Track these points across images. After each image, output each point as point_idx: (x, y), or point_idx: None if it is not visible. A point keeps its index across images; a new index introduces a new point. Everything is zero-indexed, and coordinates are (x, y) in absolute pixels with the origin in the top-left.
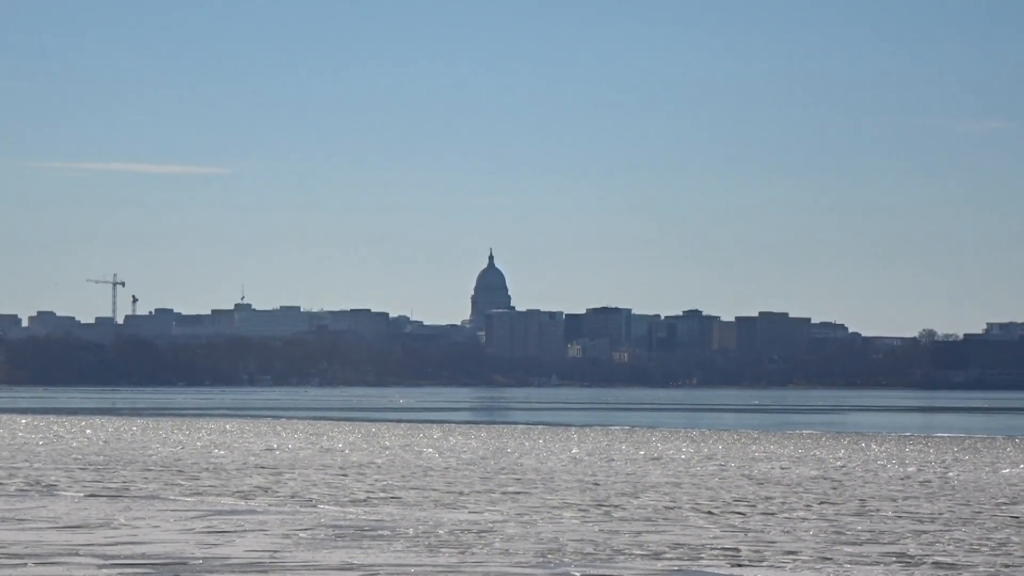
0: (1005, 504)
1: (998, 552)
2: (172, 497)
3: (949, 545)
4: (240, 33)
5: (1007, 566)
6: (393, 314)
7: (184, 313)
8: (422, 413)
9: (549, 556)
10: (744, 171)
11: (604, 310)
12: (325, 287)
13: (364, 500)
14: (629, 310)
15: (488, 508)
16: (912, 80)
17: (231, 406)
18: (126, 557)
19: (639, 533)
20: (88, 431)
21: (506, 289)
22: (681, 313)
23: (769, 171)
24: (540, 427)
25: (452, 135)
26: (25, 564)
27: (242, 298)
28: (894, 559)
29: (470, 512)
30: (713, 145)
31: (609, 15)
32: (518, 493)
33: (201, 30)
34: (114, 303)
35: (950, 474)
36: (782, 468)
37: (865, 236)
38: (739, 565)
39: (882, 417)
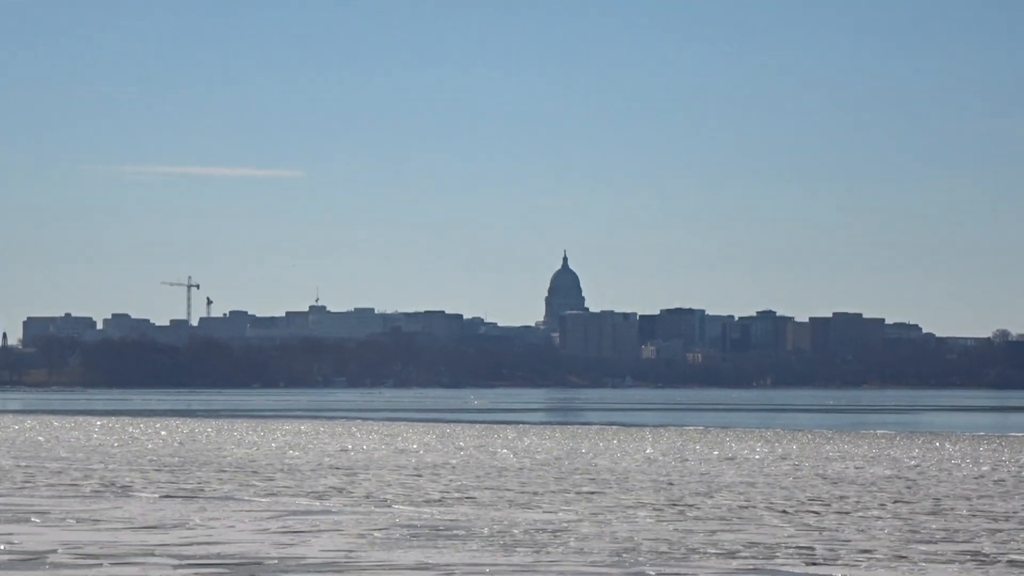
0: None
1: None
2: (247, 498)
3: None
4: (312, 36)
5: None
6: (467, 315)
7: (258, 315)
8: (496, 414)
9: (624, 556)
10: (819, 174)
11: (678, 311)
12: (399, 289)
13: (439, 500)
14: (703, 311)
15: (563, 508)
16: (988, 84)
17: (306, 407)
18: (201, 557)
19: (714, 532)
20: (163, 433)
21: (580, 290)
22: (755, 314)
23: (843, 174)
24: (614, 428)
25: (526, 137)
26: (101, 564)
27: (316, 300)
28: (968, 557)
29: (545, 512)
30: (789, 147)
31: (675, 29)
32: (592, 493)
33: (274, 33)
34: (188, 305)
35: None
36: (856, 468)
37: (940, 237)
38: (814, 564)
39: (956, 417)
